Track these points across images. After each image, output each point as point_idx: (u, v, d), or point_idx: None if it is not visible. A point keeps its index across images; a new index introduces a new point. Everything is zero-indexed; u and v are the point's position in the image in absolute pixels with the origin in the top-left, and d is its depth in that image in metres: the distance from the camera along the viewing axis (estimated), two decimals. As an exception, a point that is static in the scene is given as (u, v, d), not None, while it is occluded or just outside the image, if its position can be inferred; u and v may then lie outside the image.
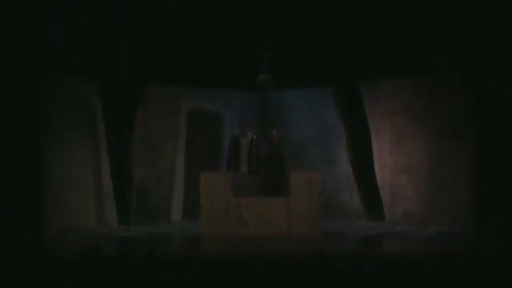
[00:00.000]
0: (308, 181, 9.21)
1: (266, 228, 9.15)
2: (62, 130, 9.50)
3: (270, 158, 9.95)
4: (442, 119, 9.78)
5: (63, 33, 8.79)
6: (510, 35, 8.29)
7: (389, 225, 10.17)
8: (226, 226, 9.13)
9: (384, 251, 7.92)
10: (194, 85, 11.11)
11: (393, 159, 10.56)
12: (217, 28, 9.74)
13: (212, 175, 9.30)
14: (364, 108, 10.83)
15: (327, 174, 10.66)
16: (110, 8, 8.95)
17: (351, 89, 10.99)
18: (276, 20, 9.65)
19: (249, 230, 9.14)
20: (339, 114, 11.22)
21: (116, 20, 9.14)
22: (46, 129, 8.92)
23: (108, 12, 8.99)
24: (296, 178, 9.22)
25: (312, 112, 11.64)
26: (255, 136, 9.82)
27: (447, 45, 9.15)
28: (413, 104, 10.22)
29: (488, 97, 8.65)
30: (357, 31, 9.69)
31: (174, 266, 6.48)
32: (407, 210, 10.34)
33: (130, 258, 6.71)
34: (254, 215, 9.21)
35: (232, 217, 9.18)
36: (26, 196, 8.13)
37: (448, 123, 9.68)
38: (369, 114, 10.80)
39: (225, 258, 7.10)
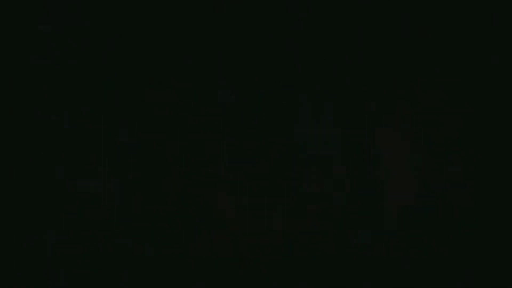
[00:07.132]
0: (308, 181, 9.21)
1: (267, 228, 9.15)
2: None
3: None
4: (443, 120, 9.80)
5: (62, 33, 8.82)
6: (508, 38, 8.32)
7: (389, 225, 10.16)
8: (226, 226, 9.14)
9: (384, 251, 7.93)
10: (194, 85, 11.12)
11: (394, 160, 10.57)
12: (217, 27, 9.76)
13: (212, 175, 9.32)
14: (365, 108, 10.85)
15: (327, 174, 10.66)
16: (109, 7, 8.97)
17: (352, 90, 11.02)
18: (277, 21, 9.67)
19: (249, 230, 9.14)
20: (340, 114, 11.23)
21: (116, 19, 9.15)
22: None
23: (107, 11, 9.01)
24: (296, 178, 9.22)
25: (312, 112, 11.65)
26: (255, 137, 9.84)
27: (448, 50, 9.18)
28: (414, 105, 10.23)
29: (488, 98, 8.67)
30: (359, 35, 9.71)
31: (174, 266, 6.48)
32: (407, 210, 10.33)
33: (130, 258, 6.70)
34: (254, 215, 9.21)
35: (232, 217, 9.18)
36: (28, 196, 8.13)
37: (449, 124, 9.70)
38: (370, 114, 10.81)
39: (225, 258, 7.11)
